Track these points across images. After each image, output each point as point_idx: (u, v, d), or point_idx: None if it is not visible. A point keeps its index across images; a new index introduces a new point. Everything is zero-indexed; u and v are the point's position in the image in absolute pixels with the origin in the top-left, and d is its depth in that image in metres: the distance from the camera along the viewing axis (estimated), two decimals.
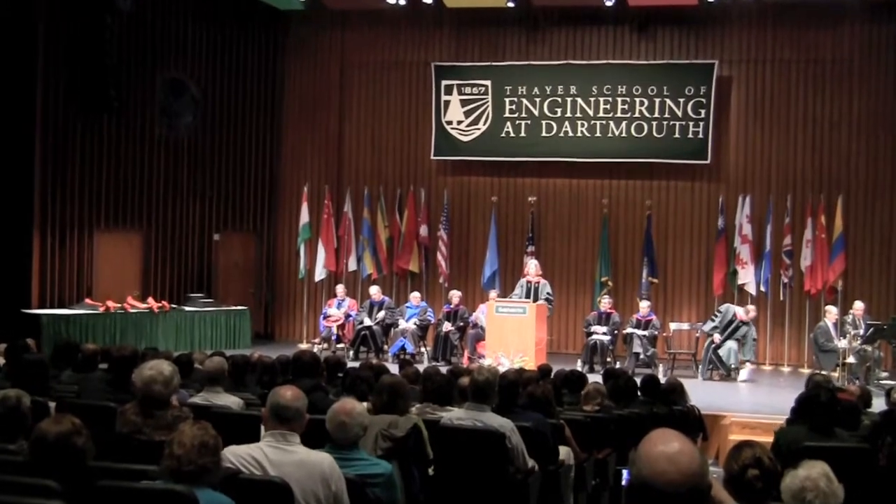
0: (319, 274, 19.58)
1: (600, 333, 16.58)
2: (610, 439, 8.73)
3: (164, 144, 19.09)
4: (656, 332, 16.71)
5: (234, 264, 20.19)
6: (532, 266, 16.65)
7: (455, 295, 17.63)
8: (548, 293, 16.31)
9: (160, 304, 17.60)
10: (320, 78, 20.42)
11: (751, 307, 16.38)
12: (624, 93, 18.45)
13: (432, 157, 19.61)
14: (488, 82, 19.13)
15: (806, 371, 16.64)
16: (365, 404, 6.26)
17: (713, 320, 16.16)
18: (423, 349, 17.57)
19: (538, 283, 16.35)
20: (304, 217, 19.67)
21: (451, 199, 19.50)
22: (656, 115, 18.28)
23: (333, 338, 18.02)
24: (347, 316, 18.11)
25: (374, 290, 18.13)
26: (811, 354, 16.87)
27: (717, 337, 15.82)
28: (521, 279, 16.71)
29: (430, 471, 6.62)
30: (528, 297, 16.14)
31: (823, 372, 14.56)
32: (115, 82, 17.42)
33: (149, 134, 18.84)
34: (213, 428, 4.32)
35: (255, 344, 18.25)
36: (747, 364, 15.91)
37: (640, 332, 16.44)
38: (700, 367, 16.12)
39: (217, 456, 4.26)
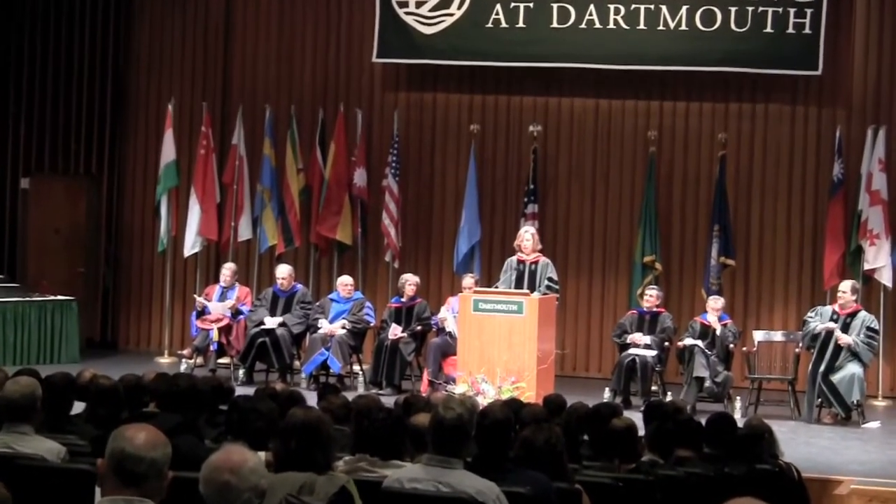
0: (192, 245, 19.53)
1: (642, 346, 16.68)
2: None
3: None
4: (732, 346, 16.79)
5: (55, 229, 20.12)
6: (528, 237, 16.56)
7: (410, 282, 17.66)
8: (550, 279, 16.26)
9: None
10: None
11: (846, 285, 16.33)
12: None
13: (374, 60, 19.59)
14: None
15: None
16: (262, 455, 6.25)
17: (808, 322, 16.15)
18: (356, 367, 17.66)
19: (536, 262, 16.32)
20: (169, 153, 19.54)
21: (404, 129, 19.50)
22: None
23: (213, 347, 17.99)
24: (237, 313, 18.11)
25: (282, 273, 18.14)
26: None
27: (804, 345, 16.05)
28: (509, 258, 16.65)
29: None
30: (520, 285, 16.15)
31: None
32: None
33: None
34: (15, 490, 4.29)
35: (88, 356, 18.31)
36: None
37: (705, 344, 16.51)
38: (802, 402, 16.22)
39: None
